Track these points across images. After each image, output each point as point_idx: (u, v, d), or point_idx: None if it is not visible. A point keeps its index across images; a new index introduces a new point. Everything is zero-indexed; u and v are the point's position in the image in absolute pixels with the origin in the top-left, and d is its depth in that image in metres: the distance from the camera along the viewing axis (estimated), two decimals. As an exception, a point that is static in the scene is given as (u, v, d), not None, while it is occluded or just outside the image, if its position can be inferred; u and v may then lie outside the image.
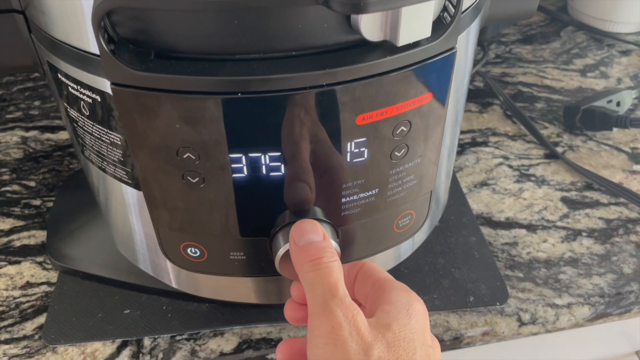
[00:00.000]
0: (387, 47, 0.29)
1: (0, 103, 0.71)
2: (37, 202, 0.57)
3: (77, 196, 0.56)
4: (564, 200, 0.58)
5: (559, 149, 0.64)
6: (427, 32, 0.29)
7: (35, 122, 0.68)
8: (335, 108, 0.30)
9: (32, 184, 0.60)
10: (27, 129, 0.67)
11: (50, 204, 0.57)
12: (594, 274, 0.51)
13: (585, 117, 0.64)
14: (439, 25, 0.31)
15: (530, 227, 0.55)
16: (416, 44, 0.30)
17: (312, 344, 0.28)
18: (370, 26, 0.28)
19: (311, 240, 0.31)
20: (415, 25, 0.29)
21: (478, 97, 0.72)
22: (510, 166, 0.62)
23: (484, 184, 0.60)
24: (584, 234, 0.54)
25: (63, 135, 0.66)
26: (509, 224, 0.55)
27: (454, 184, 0.59)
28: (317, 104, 0.29)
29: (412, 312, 0.30)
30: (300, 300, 0.35)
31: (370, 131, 0.32)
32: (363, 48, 0.29)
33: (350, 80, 0.29)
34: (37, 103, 0.71)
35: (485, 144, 0.65)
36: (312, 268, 0.29)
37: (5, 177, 0.60)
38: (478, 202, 0.57)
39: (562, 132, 0.66)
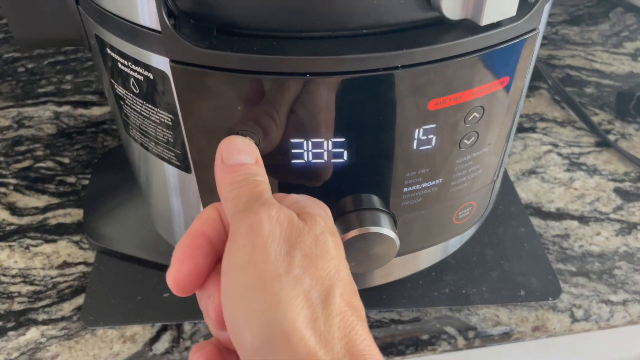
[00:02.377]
0: (467, 27, 0.27)
1: (31, 77, 0.69)
2: (71, 180, 0.56)
3: (113, 174, 0.55)
4: (617, 191, 0.55)
5: (611, 137, 0.61)
6: (512, 11, 0.27)
7: (68, 97, 0.66)
8: (408, 92, 0.28)
9: (67, 160, 0.58)
10: (60, 104, 0.65)
11: (85, 182, 0.56)
12: (651, 270, 0.48)
13: (640, 104, 0.61)
14: (522, 3, 0.28)
15: (583, 219, 0.52)
16: (498, 24, 0.27)
17: (227, 252, 0.23)
18: (452, 3, 0.26)
19: (241, 161, 0.26)
20: (501, 3, 0.26)
21: (524, 80, 0.69)
22: (559, 154, 0.59)
23: (532, 172, 0.57)
24: (639, 227, 0.52)
25: (96, 111, 0.64)
26: (559, 215, 0.53)
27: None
28: (389, 87, 0.27)
29: (323, 206, 0.27)
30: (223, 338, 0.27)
31: (442, 117, 0.30)
32: (441, 27, 0.27)
33: (427, 62, 0.27)
34: (69, 77, 0.69)
35: (532, 129, 0.62)
36: (237, 186, 0.25)
37: (39, 153, 0.59)
38: (527, 191, 0.55)
39: (614, 119, 0.63)
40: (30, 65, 0.71)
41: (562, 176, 0.57)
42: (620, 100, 0.63)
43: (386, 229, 0.33)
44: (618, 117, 0.64)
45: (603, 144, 0.60)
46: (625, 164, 0.58)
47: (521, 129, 0.62)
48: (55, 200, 0.54)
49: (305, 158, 0.30)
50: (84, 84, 0.68)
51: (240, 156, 0.26)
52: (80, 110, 0.65)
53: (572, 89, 0.68)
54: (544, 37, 0.76)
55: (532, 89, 0.68)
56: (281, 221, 0.23)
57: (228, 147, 0.26)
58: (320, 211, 0.25)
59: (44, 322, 0.44)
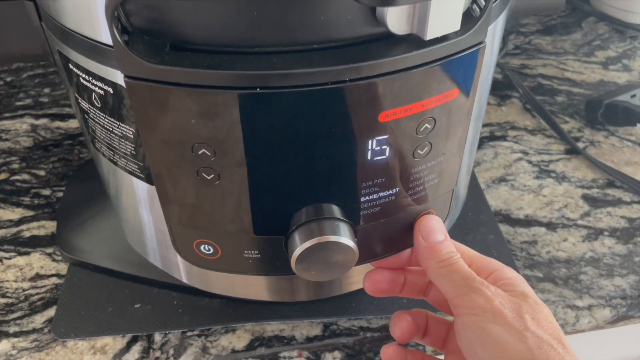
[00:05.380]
0: (413, 41, 0.28)
1: (10, 90, 0.70)
2: (46, 192, 0.57)
3: (87, 186, 0.55)
4: (585, 197, 0.56)
5: (580, 145, 0.62)
6: (456, 26, 0.28)
7: (45, 109, 0.67)
8: (358, 104, 0.29)
9: (42, 173, 0.59)
10: (37, 117, 0.66)
11: (60, 194, 0.56)
12: (616, 275, 0.49)
13: (608, 111, 0.62)
14: (468, 18, 0.29)
15: (550, 226, 0.53)
16: (444, 38, 0.28)
17: (465, 316, 0.31)
18: (396, 19, 0.27)
19: (437, 240, 0.35)
20: (444, 18, 0.27)
21: (496, 89, 0.70)
22: (529, 162, 0.60)
23: (502, 179, 0.58)
24: (605, 233, 0.53)
25: (73, 124, 0.65)
26: (528, 222, 0.54)
27: (472, 180, 0.57)
28: (339, 100, 0.28)
29: (518, 275, 0.34)
30: (390, 265, 0.38)
31: (393, 128, 0.30)
32: (388, 41, 0.28)
33: (375, 75, 0.28)
34: (47, 90, 0.70)
35: (503, 138, 0.63)
36: (445, 264, 0.33)
37: (15, 166, 0.59)
38: (496, 199, 0.56)
39: (583, 127, 0.65)
40: (9, 79, 0.72)
41: (532, 183, 0.58)
42: (589, 108, 0.64)
43: (344, 238, 0.33)
44: (587, 124, 0.65)
45: (572, 151, 0.61)
46: (593, 170, 0.59)
47: (492, 138, 0.63)
48: (30, 213, 0.55)
49: (261, 170, 0.31)
50: (62, 97, 0.69)
51: (436, 235, 0.35)
52: (58, 123, 0.65)
53: (544, 97, 0.69)
54: (517, 47, 0.78)
55: (504, 97, 0.69)
56: (503, 296, 0.31)
57: (425, 227, 0.35)
58: (525, 287, 0.32)
59: (15, 335, 0.45)
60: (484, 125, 0.65)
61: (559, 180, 0.58)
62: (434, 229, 0.35)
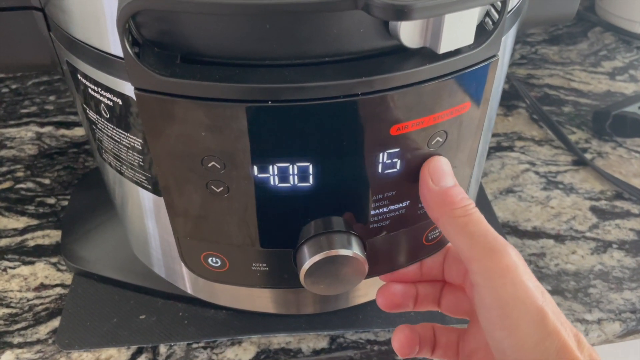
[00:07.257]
0: (426, 55, 0.28)
1: (15, 97, 0.70)
2: (51, 201, 0.56)
3: (92, 195, 0.55)
4: (593, 209, 0.56)
5: (588, 156, 0.62)
6: (469, 39, 0.28)
7: (50, 117, 0.67)
8: (370, 118, 0.28)
9: (47, 181, 0.58)
10: (42, 125, 0.66)
11: (65, 203, 0.56)
12: (625, 289, 0.49)
13: (616, 123, 0.62)
14: (481, 31, 0.29)
15: (559, 238, 0.53)
16: (457, 52, 0.28)
17: (485, 283, 0.28)
18: (410, 32, 0.27)
19: (447, 185, 0.30)
20: (458, 31, 0.27)
21: (503, 99, 0.70)
22: (537, 172, 0.60)
23: (509, 190, 0.58)
24: (614, 245, 0.52)
25: (78, 132, 0.65)
26: (536, 234, 0.53)
27: (480, 191, 0.57)
28: (350, 113, 0.28)
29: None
30: (399, 279, 0.37)
31: (405, 142, 0.30)
32: (401, 55, 0.28)
33: (387, 89, 0.27)
34: (52, 98, 0.70)
35: (510, 148, 0.63)
36: (462, 213, 0.29)
37: (20, 174, 0.59)
38: (504, 210, 0.56)
39: (591, 138, 0.64)
40: (14, 86, 0.72)
41: (539, 195, 0.57)
42: (597, 119, 0.64)
43: (354, 251, 0.33)
44: (595, 135, 0.64)
45: (580, 162, 0.61)
46: (601, 182, 0.59)
47: (499, 148, 0.63)
48: (35, 222, 0.54)
49: (272, 182, 0.30)
50: (67, 104, 0.69)
51: (448, 179, 0.30)
52: (62, 131, 0.65)
53: (550, 107, 0.69)
54: (523, 57, 0.78)
55: (511, 108, 0.69)
56: (523, 261, 0.28)
57: (436, 170, 0.30)
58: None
59: (19, 345, 0.44)
60: (491, 135, 0.64)
61: (567, 191, 0.58)
62: (446, 171, 0.30)
